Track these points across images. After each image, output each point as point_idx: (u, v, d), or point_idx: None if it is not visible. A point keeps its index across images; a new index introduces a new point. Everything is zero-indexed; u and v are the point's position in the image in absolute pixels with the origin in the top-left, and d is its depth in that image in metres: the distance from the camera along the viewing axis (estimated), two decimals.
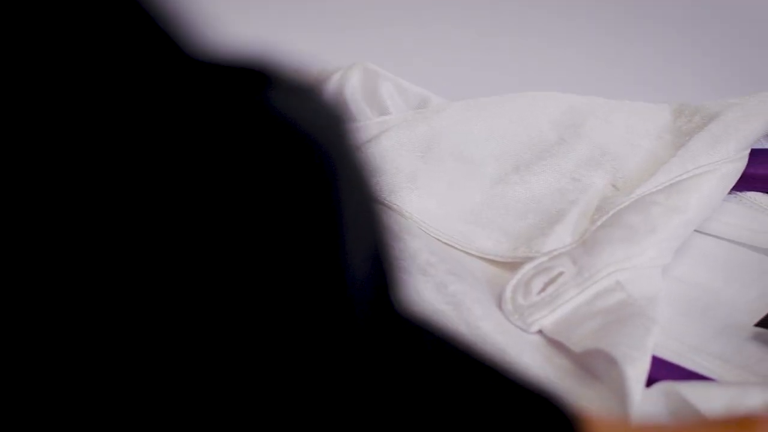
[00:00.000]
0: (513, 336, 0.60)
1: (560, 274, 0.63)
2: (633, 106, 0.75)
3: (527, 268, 0.64)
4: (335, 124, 0.35)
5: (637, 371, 0.56)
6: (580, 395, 0.58)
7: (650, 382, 0.57)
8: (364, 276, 0.34)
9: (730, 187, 0.68)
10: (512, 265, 0.65)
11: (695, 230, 0.68)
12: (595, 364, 0.59)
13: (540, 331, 0.61)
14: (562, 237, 0.66)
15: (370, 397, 0.34)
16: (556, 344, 0.61)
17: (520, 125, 0.73)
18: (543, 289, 0.63)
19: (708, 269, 0.67)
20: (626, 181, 0.69)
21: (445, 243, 0.67)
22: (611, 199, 0.68)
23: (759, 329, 0.61)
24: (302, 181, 0.33)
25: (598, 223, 0.65)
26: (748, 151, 0.69)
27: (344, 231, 0.33)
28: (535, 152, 0.72)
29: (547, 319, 0.61)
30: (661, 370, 0.57)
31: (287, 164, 0.33)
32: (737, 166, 0.69)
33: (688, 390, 0.55)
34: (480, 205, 0.69)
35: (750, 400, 0.55)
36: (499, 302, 0.62)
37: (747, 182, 0.70)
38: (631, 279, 0.63)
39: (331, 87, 0.72)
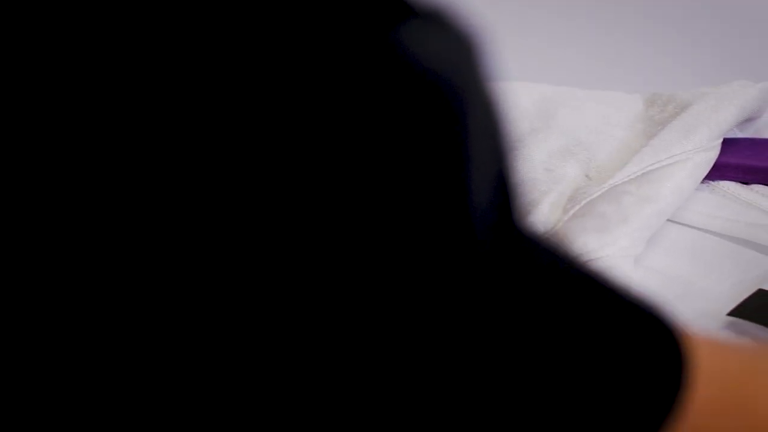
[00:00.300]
0: None
1: None
2: (605, 96, 0.75)
3: None
4: (465, 53, 0.35)
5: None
6: None
7: None
8: (488, 200, 0.35)
9: (703, 176, 0.68)
10: None
11: (668, 220, 0.68)
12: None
13: None
14: (534, 228, 0.65)
15: (492, 315, 0.35)
16: None
17: None
18: None
19: (681, 259, 0.67)
20: (599, 170, 0.69)
21: None
22: (584, 189, 0.67)
23: (732, 318, 0.61)
24: (428, 108, 0.33)
25: (571, 213, 0.65)
26: (721, 140, 0.69)
27: (470, 160, 0.34)
28: None
29: None
30: None
31: (413, 93, 0.32)
32: (709, 155, 0.68)
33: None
34: None
35: None
36: None
37: (719, 171, 0.70)
38: (603, 270, 0.62)
39: None
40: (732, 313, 0.60)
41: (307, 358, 0.32)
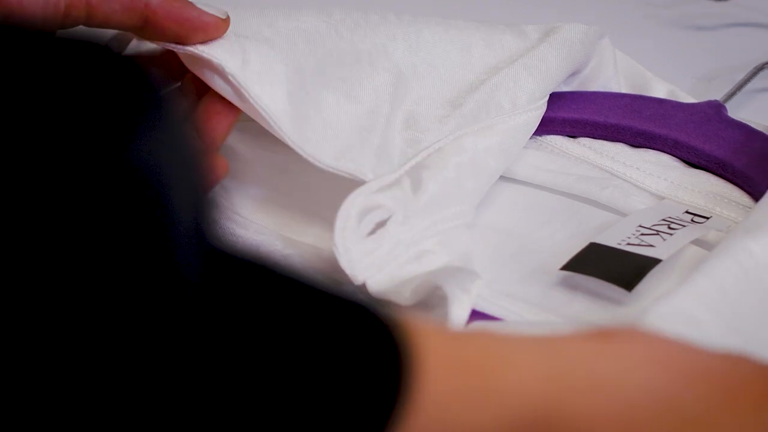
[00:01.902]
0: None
1: (389, 217, 0.61)
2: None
3: (357, 194, 0.60)
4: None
5: (459, 311, 0.55)
6: None
7: None
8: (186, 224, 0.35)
9: (531, 133, 0.68)
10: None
11: (501, 177, 0.68)
12: (414, 311, 0.59)
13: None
14: (390, 158, 0.64)
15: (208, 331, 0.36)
16: None
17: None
18: (372, 232, 0.61)
19: (513, 214, 0.68)
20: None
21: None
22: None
23: (565, 272, 0.61)
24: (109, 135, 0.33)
25: (412, 162, 0.64)
26: (546, 99, 0.69)
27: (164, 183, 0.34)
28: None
29: (373, 282, 0.60)
30: (470, 317, 0.57)
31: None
32: (538, 113, 0.69)
33: (499, 330, 0.55)
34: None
35: None
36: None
37: (545, 126, 0.70)
38: (444, 241, 0.62)
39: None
40: (565, 267, 0.61)
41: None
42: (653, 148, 0.70)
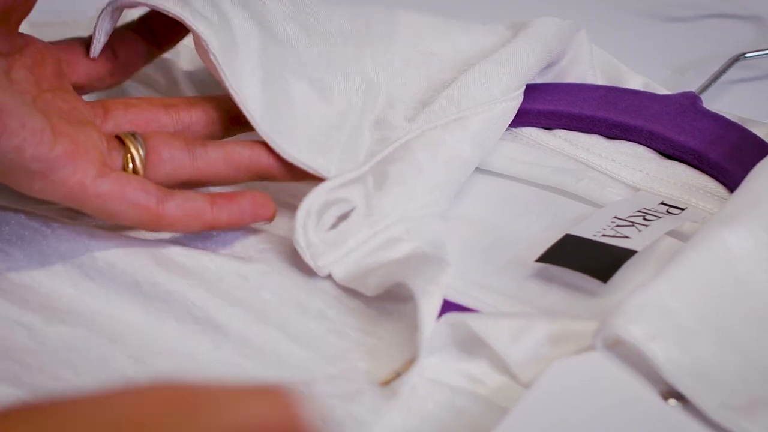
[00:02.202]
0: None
1: (353, 210, 0.61)
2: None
3: (318, 190, 0.61)
4: None
5: (430, 305, 0.55)
6: (372, 333, 0.58)
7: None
8: None
9: (507, 124, 0.68)
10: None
11: (477, 169, 0.67)
12: (386, 303, 0.59)
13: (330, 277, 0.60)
14: (356, 157, 0.64)
15: None
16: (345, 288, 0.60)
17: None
18: (335, 225, 0.61)
19: (488, 206, 0.67)
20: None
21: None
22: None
23: (540, 264, 0.61)
24: None
25: (377, 158, 0.64)
26: (522, 90, 0.69)
27: None
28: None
29: (339, 267, 0.60)
30: (443, 309, 0.56)
31: None
32: (514, 104, 0.68)
33: (475, 321, 0.55)
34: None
35: (535, 330, 0.55)
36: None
37: (521, 118, 0.70)
38: (414, 229, 0.62)
39: None
40: (540, 259, 0.61)
41: None
42: (629, 140, 0.70)
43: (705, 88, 0.75)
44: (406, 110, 0.67)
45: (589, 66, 0.74)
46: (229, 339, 0.57)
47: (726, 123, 0.70)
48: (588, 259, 0.60)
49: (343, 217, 0.61)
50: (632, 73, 0.75)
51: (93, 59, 0.64)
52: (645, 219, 0.63)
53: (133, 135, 0.60)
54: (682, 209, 0.65)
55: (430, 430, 0.52)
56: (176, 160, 0.60)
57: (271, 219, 0.62)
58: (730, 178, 0.66)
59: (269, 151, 0.63)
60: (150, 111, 0.63)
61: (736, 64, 0.78)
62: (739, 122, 0.70)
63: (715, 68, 0.77)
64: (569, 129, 0.71)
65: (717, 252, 0.56)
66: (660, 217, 0.64)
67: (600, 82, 0.75)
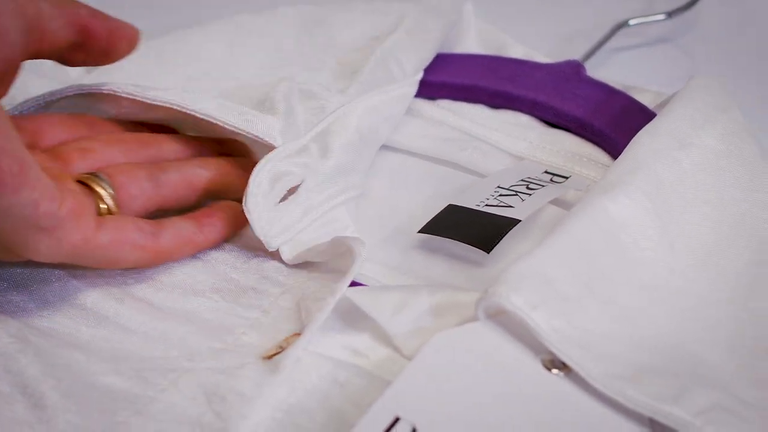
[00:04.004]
0: None
1: (302, 183, 0.61)
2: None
3: (266, 161, 0.60)
4: None
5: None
6: (258, 307, 0.58)
7: None
8: None
9: (410, 100, 0.68)
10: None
11: None
12: (278, 276, 0.60)
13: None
14: (296, 125, 0.63)
15: None
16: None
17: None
18: (285, 198, 0.60)
19: (373, 179, 0.67)
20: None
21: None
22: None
23: (423, 235, 0.60)
24: None
25: (318, 128, 0.63)
26: (421, 74, 0.69)
27: None
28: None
29: (288, 247, 0.60)
30: None
31: None
32: (416, 79, 0.69)
33: (358, 295, 0.54)
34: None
35: (418, 303, 0.54)
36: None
37: None
38: (348, 209, 0.62)
39: None
40: (423, 230, 0.60)
41: None
42: (513, 109, 0.70)
43: (589, 55, 0.75)
44: (332, 82, 0.67)
45: (473, 37, 0.74)
46: (131, 328, 0.57)
47: (610, 90, 0.69)
48: (471, 229, 0.60)
49: (291, 191, 0.61)
50: (514, 43, 0.75)
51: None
52: (528, 188, 0.63)
53: (96, 175, 0.57)
54: (566, 177, 0.65)
55: (314, 404, 0.52)
56: (145, 192, 0.59)
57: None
58: (614, 145, 0.66)
59: (224, 169, 0.62)
60: (107, 152, 0.60)
61: (621, 32, 0.78)
62: (624, 89, 0.70)
63: (600, 36, 0.77)
64: (453, 99, 0.71)
65: (599, 220, 0.56)
66: (543, 186, 0.63)
67: (483, 53, 0.74)
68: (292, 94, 0.64)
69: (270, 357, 0.54)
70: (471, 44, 0.74)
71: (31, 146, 0.58)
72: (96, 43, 0.58)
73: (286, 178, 0.60)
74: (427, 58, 0.69)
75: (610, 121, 0.68)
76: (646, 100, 0.69)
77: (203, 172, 0.61)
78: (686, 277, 0.56)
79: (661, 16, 0.80)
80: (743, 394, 0.51)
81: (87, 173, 0.57)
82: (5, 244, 0.52)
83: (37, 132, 0.59)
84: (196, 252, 0.60)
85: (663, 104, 0.66)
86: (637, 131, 0.62)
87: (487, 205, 0.61)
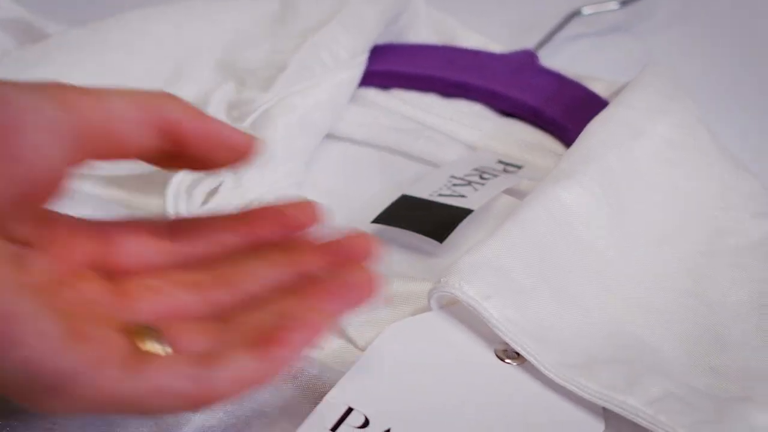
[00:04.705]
0: None
1: (221, 184, 0.60)
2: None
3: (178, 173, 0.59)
4: None
5: None
6: None
7: None
8: None
9: (354, 88, 0.68)
10: None
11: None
12: None
13: None
14: None
15: None
16: None
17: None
18: (205, 201, 0.60)
19: (326, 169, 0.67)
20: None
21: None
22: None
23: (376, 225, 0.60)
24: None
25: (246, 123, 0.62)
26: (368, 53, 0.68)
27: None
28: None
29: None
30: None
31: None
32: (360, 69, 0.68)
33: None
34: None
35: None
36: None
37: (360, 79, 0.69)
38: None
39: None
40: (377, 220, 0.60)
41: None
42: (466, 99, 0.70)
43: (542, 44, 0.74)
44: (257, 81, 0.67)
45: (425, 27, 0.74)
46: None
47: (563, 80, 0.70)
48: (424, 219, 0.60)
49: (213, 192, 0.60)
50: (468, 32, 0.75)
51: (145, 241, 0.52)
52: (482, 177, 0.63)
53: (151, 329, 0.48)
54: (520, 167, 0.65)
55: (266, 395, 0.51)
56: (200, 346, 0.48)
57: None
58: (568, 134, 0.66)
59: None
60: (175, 295, 0.50)
61: (575, 21, 0.78)
62: (577, 79, 0.70)
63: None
64: (407, 89, 0.71)
65: (552, 209, 0.56)
66: (497, 176, 0.63)
67: (436, 43, 0.74)
68: (220, 104, 0.64)
69: None
70: (424, 34, 0.74)
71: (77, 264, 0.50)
72: (191, 153, 0.49)
73: (204, 181, 0.60)
74: (364, 47, 0.68)
75: (563, 110, 0.68)
76: (599, 89, 0.69)
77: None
78: (638, 265, 0.56)
79: (615, 5, 0.80)
80: (695, 383, 0.51)
81: (141, 326, 0.48)
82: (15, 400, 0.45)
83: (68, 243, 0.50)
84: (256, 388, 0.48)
85: (616, 93, 0.67)
86: (590, 120, 0.62)
87: (440, 195, 0.61)
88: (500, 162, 0.65)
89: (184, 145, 0.48)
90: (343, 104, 0.67)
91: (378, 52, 0.71)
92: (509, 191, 0.63)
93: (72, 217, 0.51)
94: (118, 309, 0.49)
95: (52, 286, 0.47)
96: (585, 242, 0.56)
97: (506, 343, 0.51)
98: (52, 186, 0.47)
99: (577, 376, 0.50)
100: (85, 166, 0.47)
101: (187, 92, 0.65)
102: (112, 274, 0.49)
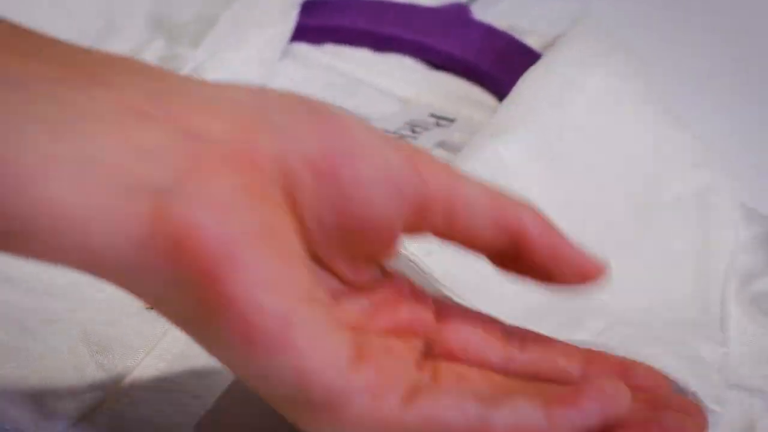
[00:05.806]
0: None
1: None
2: None
3: None
4: None
5: None
6: None
7: None
8: None
9: (284, 43, 0.67)
10: None
11: None
12: None
13: None
14: None
15: None
16: None
17: None
18: None
19: None
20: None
21: None
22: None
23: None
24: None
25: None
26: (299, 8, 0.68)
27: None
28: None
29: None
30: None
31: None
32: (291, 23, 0.68)
33: None
34: None
35: None
36: None
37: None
38: None
39: None
40: None
41: None
42: (398, 52, 0.69)
43: None
44: (188, 36, 0.66)
45: None
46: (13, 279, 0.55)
47: (495, 32, 0.69)
48: None
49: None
50: None
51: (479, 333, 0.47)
52: (413, 131, 0.63)
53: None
54: (452, 120, 0.65)
55: (198, 349, 0.51)
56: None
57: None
58: (500, 87, 0.66)
59: None
60: (484, 338, 0.47)
61: None
62: (510, 31, 0.70)
63: None
64: (338, 43, 0.70)
65: (490, 163, 0.55)
66: (429, 129, 0.63)
67: None
68: (151, 61, 0.64)
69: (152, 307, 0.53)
70: None
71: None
72: (531, 260, 0.46)
73: None
74: (294, 1, 0.68)
75: (494, 62, 0.67)
76: (533, 41, 0.69)
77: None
78: (576, 221, 0.56)
79: None
80: (630, 319, 0.52)
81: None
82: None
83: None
84: None
85: (549, 46, 0.66)
86: (523, 73, 0.62)
87: None
88: (432, 115, 0.65)
89: (528, 254, 0.45)
90: (274, 60, 0.66)
91: (309, 7, 0.70)
92: (443, 145, 0.63)
93: (409, 281, 0.47)
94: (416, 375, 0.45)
95: (357, 321, 0.44)
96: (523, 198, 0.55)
97: (448, 297, 0.51)
98: (380, 238, 0.43)
99: (523, 324, 0.50)
100: (422, 237, 0.44)
101: (119, 49, 0.64)
102: (430, 349, 0.46)
